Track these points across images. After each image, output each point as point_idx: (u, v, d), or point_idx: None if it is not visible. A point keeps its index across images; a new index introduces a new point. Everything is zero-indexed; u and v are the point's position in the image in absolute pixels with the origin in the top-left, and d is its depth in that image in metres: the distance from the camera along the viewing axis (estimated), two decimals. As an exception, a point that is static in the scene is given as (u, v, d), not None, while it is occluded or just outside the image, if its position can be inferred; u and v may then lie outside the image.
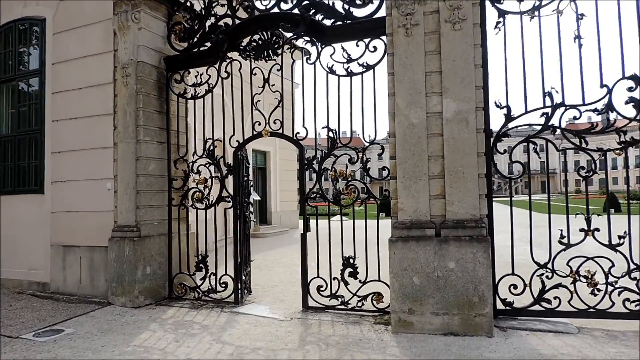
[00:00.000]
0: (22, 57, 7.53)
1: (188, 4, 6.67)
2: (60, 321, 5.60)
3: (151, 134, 6.39)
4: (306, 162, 5.80)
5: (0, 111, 7.82)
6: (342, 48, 5.66)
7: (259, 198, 16.96)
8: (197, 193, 6.42)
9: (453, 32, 4.81)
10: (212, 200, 6.36)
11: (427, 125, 4.88)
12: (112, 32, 6.47)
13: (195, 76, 6.50)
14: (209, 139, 6.32)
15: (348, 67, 5.63)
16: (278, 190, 18.45)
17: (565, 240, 4.88)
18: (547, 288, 4.90)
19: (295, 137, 5.89)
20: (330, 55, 5.69)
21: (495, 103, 5.04)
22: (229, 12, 6.24)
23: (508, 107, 5.04)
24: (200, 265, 6.41)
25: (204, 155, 6.36)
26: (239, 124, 6.28)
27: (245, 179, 6.60)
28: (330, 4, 5.74)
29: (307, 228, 5.77)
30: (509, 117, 5.04)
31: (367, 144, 5.49)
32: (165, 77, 6.65)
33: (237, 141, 6.17)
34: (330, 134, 5.67)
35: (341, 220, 5.59)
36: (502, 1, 5.08)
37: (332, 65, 5.71)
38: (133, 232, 6.14)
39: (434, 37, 4.90)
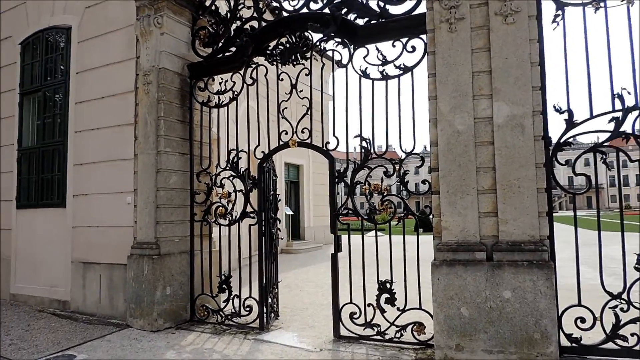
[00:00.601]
0: (48, 67, 7.36)
1: (213, 7, 6.31)
2: (75, 345, 5.22)
3: (173, 144, 6.01)
4: (337, 175, 5.26)
5: (27, 123, 7.67)
6: (377, 49, 5.12)
7: (291, 213, 16.52)
8: (220, 208, 5.98)
9: (505, 26, 4.19)
10: (235, 216, 5.89)
11: (474, 132, 4.25)
12: (135, 38, 6.18)
13: (220, 83, 6.10)
14: (233, 149, 5.89)
15: (383, 70, 5.08)
16: (311, 204, 17.97)
17: (643, 267, 4.11)
18: (622, 322, 4.13)
19: (325, 148, 5.37)
20: (364, 58, 5.16)
21: (555, 107, 4.35)
22: (255, 14, 5.84)
23: (570, 112, 4.34)
24: (224, 286, 5.93)
25: (227, 168, 5.93)
26: (265, 133, 5.82)
27: (272, 193, 6.12)
28: (364, 2, 5.23)
29: (337, 248, 5.21)
30: (571, 123, 4.34)
31: (404, 155, 4.91)
32: (188, 84, 6.29)
33: (263, 152, 5.71)
34: (364, 144, 5.12)
35: (376, 239, 5.00)
36: (561, -10, 4.44)
37: (366, 68, 5.18)
38: (152, 249, 5.74)
39: (482, 33, 4.30)
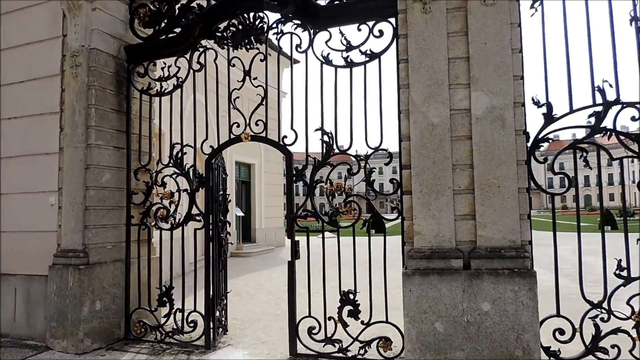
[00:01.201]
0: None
1: (155, -18, 5.58)
2: (-21, 374, 4.36)
3: (106, 137, 5.23)
4: (295, 172, 4.70)
5: None
6: (341, 33, 4.60)
7: (242, 214, 15.76)
8: (162, 210, 5.26)
9: (484, 7, 3.78)
10: (179, 219, 5.19)
11: (450, 125, 3.82)
12: (61, 13, 5.33)
13: (162, 69, 5.39)
14: (177, 143, 5.19)
15: (347, 57, 4.58)
16: (263, 205, 17.26)
17: (624, 273, 3.82)
18: (602, 334, 3.82)
19: (281, 142, 4.79)
20: (326, 42, 4.64)
21: (533, 100, 4.00)
22: (203, -9, 5.18)
23: (549, 105, 4.00)
24: (164, 298, 5.22)
25: (170, 164, 5.22)
26: (214, 126, 5.18)
27: (222, 193, 5.47)
28: (326, -20, 4.70)
29: (295, 255, 4.63)
30: (549, 117, 4.01)
31: (370, 151, 4.43)
32: (126, 69, 5.51)
33: (211, 147, 5.05)
34: (325, 139, 4.59)
35: (338, 244, 4.47)
36: (541, -26, 4.09)
37: (328, 54, 4.67)
38: (79, 257, 4.94)
39: (459, 15, 3.88)
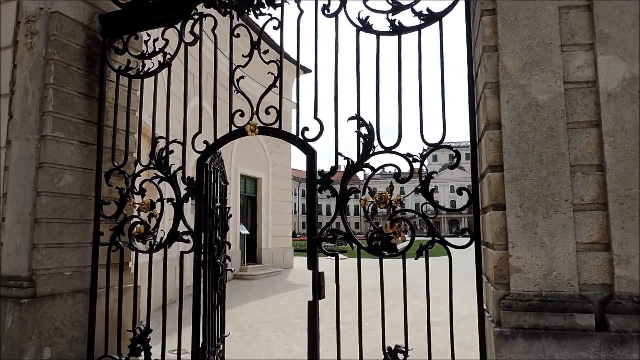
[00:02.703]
0: None
1: None
2: None
3: (69, 128, 3.96)
4: (320, 177, 3.39)
5: None
6: (385, -12, 3.35)
7: (247, 232, 14.42)
8: (139, 225, 3.94)
9: None
10: (162, 238, 3.88)
11: (566, 105, 2.51)
12: (17, -32, 4.12)
13: (146, 42, 4.16)
14: (160, 138, 3.92)
15: (395, 20, 3.32)
16: (270, 223, 15.92)
17: None
18: None
19: (301, 136, 3.49)
20: (364, 2, 3.39)
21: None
22: (201, -60, 3.96)
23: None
24: (139, 345, 3.87)
25: (151, 165, 3.93)
26: (210, 115, 3.91)
27: (219, 205, 4.18)
28: None
29: (319, 292, 3.29)
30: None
31: (427, 148, 3.14)
32: (100, 44, 4.27)
33: (206, 142, 3.77)
34: (363, 131, 3.29)
35: (382, 280, 3.13)
36: None
37: (367, 18, 3.41)
38: (22, 288, 3.62)
39: (574, -57, 2.60)
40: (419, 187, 3.11)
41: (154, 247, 3.86)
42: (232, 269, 4.31)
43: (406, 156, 3.18)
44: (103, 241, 4.05)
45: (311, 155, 3.45)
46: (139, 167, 4.03)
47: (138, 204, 3.95)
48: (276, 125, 3.60)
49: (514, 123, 2.54)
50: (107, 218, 4.08)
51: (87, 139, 4.12)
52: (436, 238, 3.00)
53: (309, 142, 3.47)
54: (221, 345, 4.23)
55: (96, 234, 4.07)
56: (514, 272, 2.46)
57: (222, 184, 4.35)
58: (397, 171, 3.25)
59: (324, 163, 3.26)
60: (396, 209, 3.16)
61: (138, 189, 4.00)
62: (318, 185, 3.36)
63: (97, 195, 4.10)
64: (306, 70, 15.37)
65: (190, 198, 3.82)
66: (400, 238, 3.15)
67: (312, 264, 3.33)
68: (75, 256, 3.98)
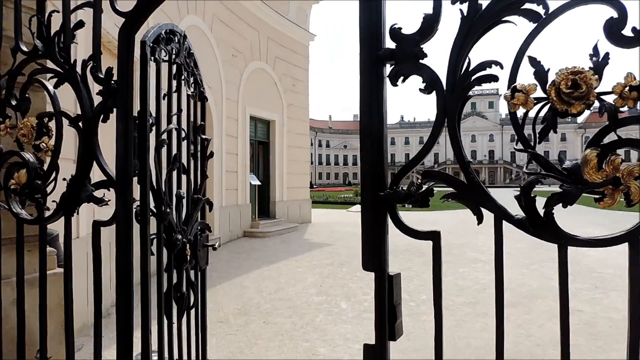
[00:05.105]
0: None
1: None
2: None
3: None
4: (395, 45, 1.38)
5: None
6: None
7: (258, 183, 12.60)
8: (20, 171, 2.04)
9: None
10: (64, 195, 1.97)
11: None
12: None
13: None
14: (45, -14, 1.93)
15: None
16: (285, 172, 14.06)
17: None
18: None
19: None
20: None
21: None
22: None
23: None
24: (35, 391, 2.06)
25: (38, 50, 1.97)
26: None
27: (186, 133, 2.24)
28: None
29: (390, 326, 1.37)
30: None
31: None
32: None
33: (136, -10, 1.75)
34: None
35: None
36: None
37: None
38: None
39: None
40: None
41: (45, 212, 1.96)
42: (215, 247, 2.40)
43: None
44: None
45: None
46: (20, 57, 2.06)
47: (15, 127, 2.02)
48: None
49: None
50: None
51: None
52: None
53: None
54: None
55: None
56: None
57: (192, 94, 2.38)
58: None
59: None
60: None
61: (18, 98, 2.05)
62: (389, 65, 1.36)
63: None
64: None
65: (109, 113, 1.87)
66: (616, 197, 1.19)
67: (374, 255, 1.39)
68: None
